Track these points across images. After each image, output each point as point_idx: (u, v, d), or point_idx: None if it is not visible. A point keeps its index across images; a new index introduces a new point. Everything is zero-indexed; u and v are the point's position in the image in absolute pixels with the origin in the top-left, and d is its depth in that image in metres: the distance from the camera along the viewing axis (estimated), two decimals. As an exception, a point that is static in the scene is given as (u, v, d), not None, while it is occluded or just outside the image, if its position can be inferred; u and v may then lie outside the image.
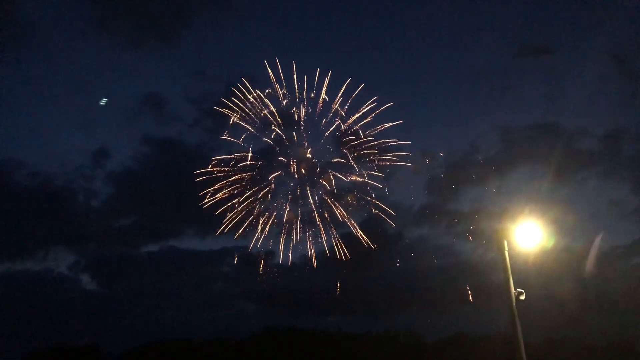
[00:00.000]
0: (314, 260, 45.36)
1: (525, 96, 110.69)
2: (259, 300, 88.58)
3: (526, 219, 14.14)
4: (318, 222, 45.36)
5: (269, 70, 43.34)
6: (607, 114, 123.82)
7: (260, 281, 48.19)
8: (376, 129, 44.73)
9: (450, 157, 79.97)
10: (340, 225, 45.65)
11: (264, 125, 44.62)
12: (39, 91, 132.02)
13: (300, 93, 43.69)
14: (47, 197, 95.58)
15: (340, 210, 45.36)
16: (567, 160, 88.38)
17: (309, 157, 44.97)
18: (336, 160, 45.79)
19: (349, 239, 45.20)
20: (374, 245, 44.50)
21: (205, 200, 43.36)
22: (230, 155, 44.66)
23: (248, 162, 44.37)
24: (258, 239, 44.83)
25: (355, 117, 44.27)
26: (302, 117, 44.22)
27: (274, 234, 45.44)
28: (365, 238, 44.66)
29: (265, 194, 44.85)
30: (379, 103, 44.39)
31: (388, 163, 44.87)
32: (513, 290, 13.25)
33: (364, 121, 44.50)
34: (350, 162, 45.05)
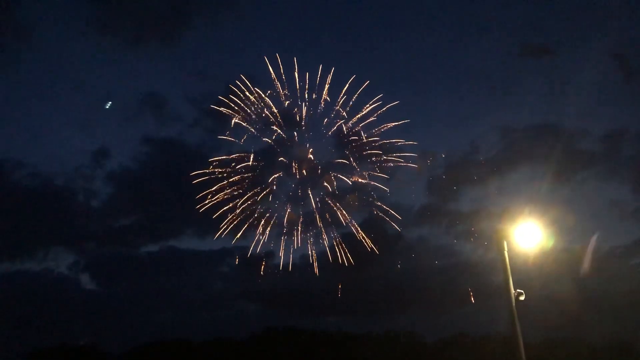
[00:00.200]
0: (315, 262, 45.18)
1: (526, 96, 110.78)
2: (259, 301, 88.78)
3: (526, 219, 14.14)
4: (319, 224, 45.16)
5: (270, 67, 42.78)
6: (607, 114, 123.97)
7: (261, 281, 48.09)
8: (380, 129, 44.37)
9: (450, 157, 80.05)
10: (341, 226, 45.53)
11: (265, 125, 44.27)
12: (39, 91, 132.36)
13: (302, 92, 43.37)
14: (47, 197, 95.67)
15: (341, 211, 45.15)
16: (567, 161, 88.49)
17: (310, 157, 44.62)
18: (339, 160, 45.51)
19: (349, 239, 45.07)
20: (377, 250, 44.28)
21: (204, 203, 43.01)
22: (230, 156, 44.30)
23: (249, 164, 44.07)
24: (258, 239, 44.70)
25: (358, 116, 43.87)
26: (304, 116, 43.85)
27: (275, 234, 45.32)
28: (368, 242, 44.39)
29: (266, 195, 44.62)
30: (383, 102, 44.14)
31: (391, 164, 44.53)
32: (513, 291, 13.26)
33: (367, 121, 44.13)
34: (353, 164, 44.77)
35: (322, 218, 45.27)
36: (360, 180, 44.41)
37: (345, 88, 43.40)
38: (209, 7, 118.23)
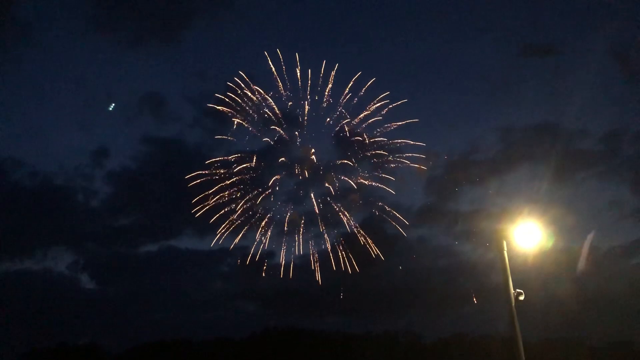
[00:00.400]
0: (318, 271, 44.68)
1: (526, 96, 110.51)
2: (258, 301, 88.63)
3: (526, 219, 14.12)
4: (321, 225, 44.79)
5: (271, 64, 41.97)
6: (607, 114, 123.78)
7: (260, 281, 47.81)
8: (384, 129, 43.63)
9: (450, 157, 79.94)
10: (343, 227, 45.18)
11: (265, 124, 43.70)
12: (39, 91, 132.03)
13: (304, 89, 42.67)
14: (46, 197, 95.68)
15: (343, 212, 44.75)
16: (567, 161, 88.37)
17: (312, 158, 44.01)
18: (342, 161, 44.81)
19: (352, 244, 44.65)
20: (382, 256, 43.73)
21: (202, 205, 42.49)
22: (229, 157, 43.67)
23: (249, 165, 43.52)
24: (258, 239, 44.42)
25: (361, 116, 43.06)
26: (306, 115, 43.25)
27: (275, 234, 45.01)
28: (374, 248, 43.85)
29: (266, 196, 44.22)
30: (388, 100, 43.41)
31: (398, 165, 43.88)
32: (512, 291, 13.25)
33: (370, 121, 43.32)
34: (355, 165, 44.15)
35: (324, 219, 44.90)
36: (363, 181, 43.87)
37: (348, 86, 42.48)
38: (209, 7, 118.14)
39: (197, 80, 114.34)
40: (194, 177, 42.44)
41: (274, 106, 43.25)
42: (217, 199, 42.72)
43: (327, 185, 44.95)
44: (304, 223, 44.60)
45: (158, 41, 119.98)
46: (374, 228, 45.02)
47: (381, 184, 44.05)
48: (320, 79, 42.73)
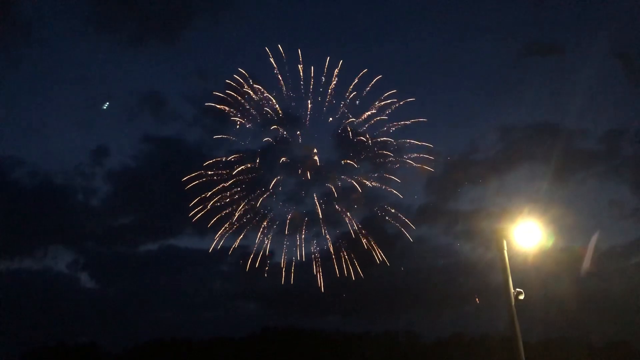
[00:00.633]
0: (318, 268, 44.37)
1: (526, 96, 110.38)
2: (258, 300, 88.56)
3: (525, 218, 14.10)
4: (322, 225, 44.50)
5: (273, 61, 41.25)
6: (607, 113, 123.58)
7: (261, 281, 47.58)
8: (388, 128, 43.01)
9: (451, 156, 79.79)
10: (344, 228, 44.88)
11: (266, 123, 43.10)
12: (38, 89, 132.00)
13: (307, 87, 42.06)
14: (46, 196, 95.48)
15: (345, 213, 44.42)
16: (567, 160, 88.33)
17: (314, 158, 43.38)
18: (345, 161, 44.21)
19: (356, 249, 44.32)
20: (387, 262, 43.29)
21: (201, 207, 41.98)
22: (229, 157, 43.07)
23: (249, 165, 43.01)
24: (258, 239, 44.18)
25: (365, 115, 42.44)
26: (308, 113, 42.61)
27: (276, 234, 44.71)
28: (379, 252, 43.41)
29: (267, 196, 43.77)
30: (392, 99, 42.89)
31: (397, 165, 43.37)
32: (512, 290, 13.22)
33: (374, 120, 42.71)
34: (358, 166, 43.58)
35: (325, 219, 44.51)
36: (365, 181, 43.36)
37: (352, 84, 41.86)
38: (209, 6, 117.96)
39: (198, 79, 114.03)
40: (192, 178, 41.83)
41: (276, 104, 42.56)
42: (216, 201, 42.18)
43: (329, 185, 44.53)
44: (304, 223, 44.29)
45: (158, 40, 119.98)
46: (375, 228, 44.74)
47: (384, 185, 43.56)
48: (323, 77, 42.13)
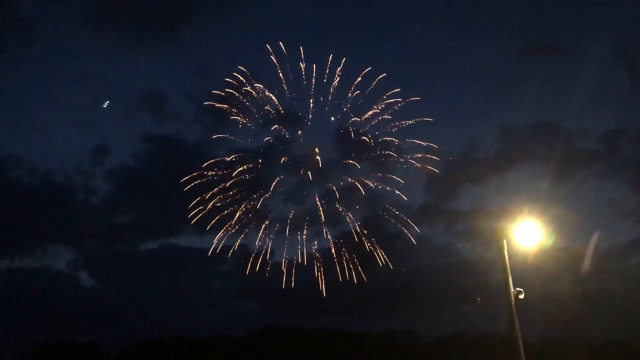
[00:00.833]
0: (320, 271, 44.15)
1: (527, 95, 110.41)
2: (258, 299, 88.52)
3: (525, 218, 14.13)
4: (324, 227, 44.28)
5: (274, 59, 40.78)
6: (607, 113, 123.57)
7: (261, 280, 47.46)
8: (390, 127, 42.73)
9: (451, 156, 79.69)
10: (345, 226, 44.71)
11: (267, 122, 42.73)
12: (38, 88, 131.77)
13: (309, 85, 41.72)
14: (46, 195, 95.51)
15: (347, 213, 44.22)
16: (567, 160, 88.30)
17: (316, 158, 43.03)
18: (347, 161, 43.93)
19: (356, 246, 44.19)
20: (391, 265, 43.08)
21: (199, 209, 41.68)
22: (229, 157, 42.79)
23: (249, 166, 42.72)
24: (259, 238, 44.03)
25: (368, 114, 42.10)
26: (310, 112, 42.24)
27: (276, 233, 44.55)
28: (381, 254, 43.15)
29: (268, 196, 43.50)
30: (396, 97, 42.55)
31: (399, 165, 43.08)
32: (512, 289, 13.24)
33: (378, 119, 42.39)
34: (359, 167, 43.28)
35: (326, 218, 44.29)
36: (367, 181, 43.10)
37: (355, 82, 41.54)
38: (210, 4, 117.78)
39: (198, 78, 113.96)
40: (191, 179, 41.40)
41: (277, 103, 42.14)
42: (215, 202, 41.80)
43: (330, 185, 44.25)
44: (305, 222, 44.09)
45: (159, 39, 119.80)
46: (376, 228, 44.54)
47: (386, 185, 43.22)
48: (326, 75, 41.66)
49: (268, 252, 44.67)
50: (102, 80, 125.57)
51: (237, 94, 41.72)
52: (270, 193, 43.35)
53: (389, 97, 41.77)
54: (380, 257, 43.49)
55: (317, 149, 43.01)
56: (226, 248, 44.02)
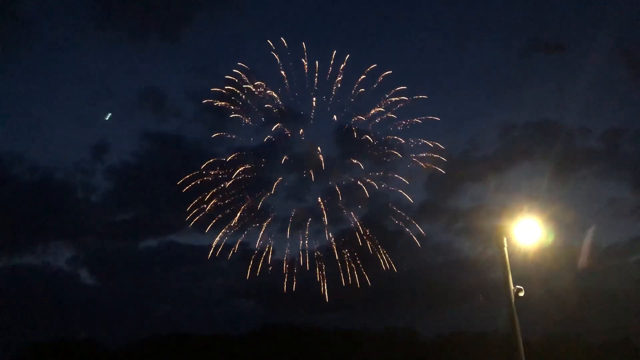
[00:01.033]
0: (325, 287, 43.83)
1: (527, 94, 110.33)
2: (258, 297, 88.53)
3: (525, 216, 14.09)
4: (325, 227, 44.07)
5: (275, 54, 40.16)
6: (607, 112, 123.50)
7: (261, 278, 47.35)
8: (394, 126, 42.28)
9: (452, 154, 79.56)
10: (346, 226, 44.50)
11: (268, 119, 42.31)
12: (38, 85, 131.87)
13: (311, 82, 41.29)
14: (46, 192, 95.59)
15: (349, 212, 44.01)
16: (567, 158, 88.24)
17: (319, 157, 42.64)
18: (350, 160, 43.57)
19: (355, 241, 44.05)
20: (396, 269, 42.80)
21: (198, 210, 41.41)
22: (229, 156, 42.45)
23: (250, 165, 42.43)
24: (260, 236, 43.84)
25: (372, 112, 41.58)
26: (312, 110, 41.78)
27: (277, 232, 44.37)
28: (386, 258, 42.88)
29: (269, 196, 43.23)
30: (401, 95, 42.11)
31: (402, 164, 42.76)
32: (512, 287, 13.19)
33: (381, 118, 41.97)
34: (362, 167, 42.96)
35: (328, 217, 43.99)
36: (370, 181, 42.82)
37: (359, 79, 41.07)
38: (210, 2, 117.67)
39: (198, 76, 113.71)
40: (191, 179, 41.04)
41: (278, 101, 41.73)
42: (214, 202, 41.49)
43: (332, 184, 43.94)
44: (308, 222, 43.85)
45: (159, 37, 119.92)
46: (377, 227, 44.31)
47: (389, 184, 42.89)
48: (329, 72, 41.02)
49: (269, 250, 44.52)
50: (102, 78, 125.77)
51: (237, 92, 41.31)
52: (270, 194, 43.08)
53: (394, 95, 41.26)
54: (383, 257, 43.23)
55: (319, 148, 42.67)
56: (227, 246, 43.90)
